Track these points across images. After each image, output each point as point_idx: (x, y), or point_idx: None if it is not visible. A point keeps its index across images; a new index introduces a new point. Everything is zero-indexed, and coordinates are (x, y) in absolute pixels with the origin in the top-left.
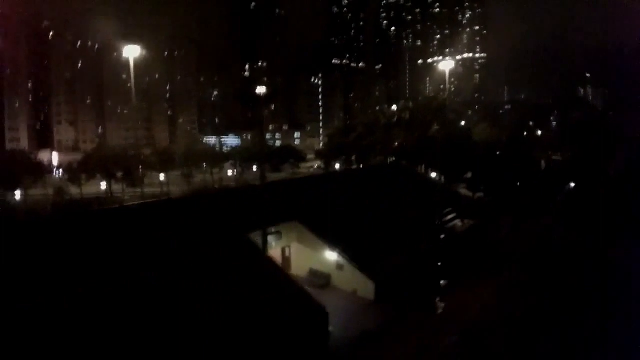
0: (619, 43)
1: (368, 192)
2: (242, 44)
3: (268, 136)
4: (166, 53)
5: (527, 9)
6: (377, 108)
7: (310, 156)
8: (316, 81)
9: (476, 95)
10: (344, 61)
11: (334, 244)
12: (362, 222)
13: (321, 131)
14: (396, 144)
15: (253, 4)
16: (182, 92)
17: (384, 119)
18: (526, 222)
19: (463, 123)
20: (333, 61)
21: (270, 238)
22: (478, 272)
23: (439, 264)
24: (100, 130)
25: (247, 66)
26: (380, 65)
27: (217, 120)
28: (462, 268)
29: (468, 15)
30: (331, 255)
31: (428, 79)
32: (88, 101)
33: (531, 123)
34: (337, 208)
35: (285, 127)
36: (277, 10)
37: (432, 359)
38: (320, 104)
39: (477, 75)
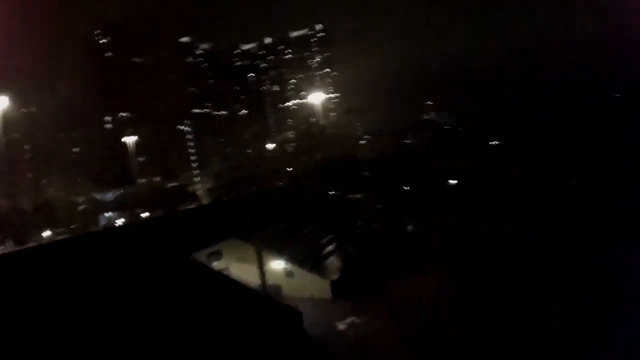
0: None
1: (282, 210)
2: (102, 96)
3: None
4: (23, 110)
5: (370, 47)
6: (249, 150)
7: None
8: (185, 129)
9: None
10: (205, 110)
11: (279, 253)
12: (291, 233)
13: (198, 178)
14: (289, 169)
15: (109, 53)
16: (43, 153)
17: (269, 153)
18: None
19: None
20: (193, 110)
21: (211, 258)
22: (408, 264)
23: (376, 258)
24: None
25: (109, 118)
26: (245, 111)
27: (78, 179)
28: (392, 261)
29: (318, 59)
30: (278, 265)
31: (290, 120)
32: None
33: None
34: (264, 224)
35: (157, 179)
36: (135, 59)
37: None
38: (193, 151)
39: (334, 114)
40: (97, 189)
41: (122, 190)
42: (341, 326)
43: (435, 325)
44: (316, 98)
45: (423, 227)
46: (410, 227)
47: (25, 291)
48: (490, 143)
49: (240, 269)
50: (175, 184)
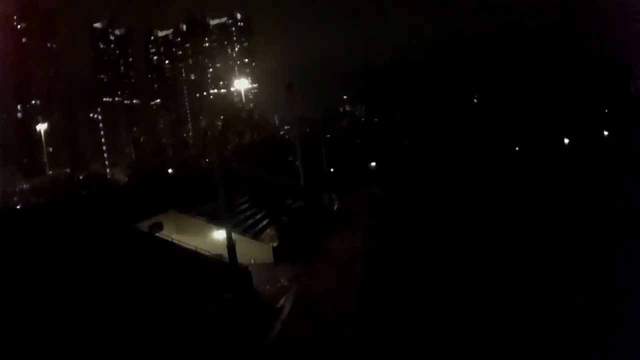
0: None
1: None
2: (13, 82)
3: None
4: None
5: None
6: (164, 140)
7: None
8: (96, 116)
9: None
10: (116, 98)
11: (220, 225)
12: (228, 208)
13: (107, 170)
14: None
15: (24, 39)
16: None
17: (194, 138)
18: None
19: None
20: (104, 99)
21: (153, 230)
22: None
23: (306, 227)
24: None
25: (19, 106)
26: (158, 100)
27: None
28: (321, 229)
29: (237, 49)
30: (220, 235)
31: (206, 110)
32: None
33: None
34: (200, 201)
35: (67, 170)
36: (48, 44)
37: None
38: (103, 140)
39: (252, 105)
40: (5, 181)
41: (34, 181)
42: (285, 282)
43: (370, 270)
44: (241, 84)
45: (346, 200)
46: (336, 204)
47: None
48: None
49: (181, 240)
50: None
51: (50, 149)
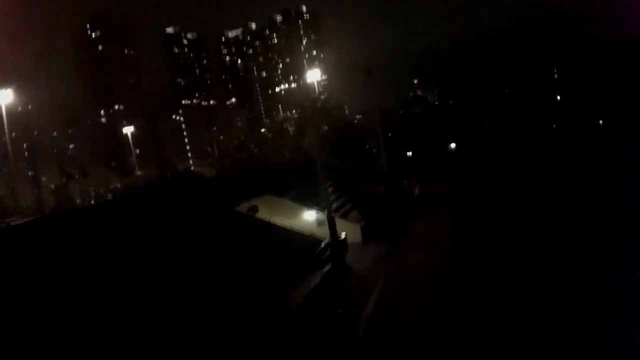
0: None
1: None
2: (95, 89)
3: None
4: (19, 108)
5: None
6: (243, 138)
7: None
8: (178, 118)
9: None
10: (194, 100)
11: (311, 205)
12: (315, 194)
13: (192, 168)
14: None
15: (100, 46)
16: (41, 150)
17: (270, 134)
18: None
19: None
20: (183, 101)
21: (250, 212)
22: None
23: (397, 208)
24: None
25: (102, 112)
26: (234, 100)
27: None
28: (410, 212)
29: (305, 42)
30: (310, 216)
31: (280, 105)
32: None
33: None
34: (289, 188)
35: (154, 170)
36: (126, 51)
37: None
38: (185, 141)
39: (323, 97)
40: (97, 181)
41: (127, 180)
42: (376, 259)
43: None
44: (313, 76)
45: (427, 185)
46: (417, 189)
47: (89, 241)
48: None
49: (274, 219)
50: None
51: (138, 151)
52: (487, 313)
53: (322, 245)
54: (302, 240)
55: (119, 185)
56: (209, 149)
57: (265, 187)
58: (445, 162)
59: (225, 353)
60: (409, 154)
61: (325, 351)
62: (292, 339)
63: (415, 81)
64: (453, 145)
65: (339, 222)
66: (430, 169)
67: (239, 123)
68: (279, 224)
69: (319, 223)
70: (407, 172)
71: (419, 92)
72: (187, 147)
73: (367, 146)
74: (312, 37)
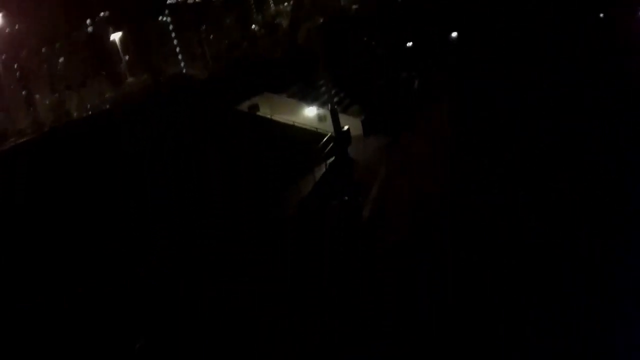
0: None
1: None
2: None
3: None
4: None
5: None
6: (233, 36)
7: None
8: (165, 19)
9: None
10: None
11: (310, 102)
12: (315, 88)
13: (184, 70)
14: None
15: None
16: (32, 69)
17: (262, 29)
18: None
19: None
20: (168, 1)
21: (251, 110)
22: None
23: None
24: None
25: (87, 21)
26: None
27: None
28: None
29: None
30: (311, 111)
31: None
32: None
33: None
34: (288, 83)
35: (145, 76)
36: None
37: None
38: (175, 43)
39: None
40: (94, 94)
41: (121, 88)
42: (377, 151)
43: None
44: None
45: (426, 77)
46: (416, 82)
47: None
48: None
49: (275, 116)
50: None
51: (127, 57)
52: (488, 200)
53: (325, 139)
54: (306, 135)
55: (113, 95)
56: (199, 50)
57: (263, 86)
58: (446, 51)
59: (236, 241)
60: (409, 44)
61: (332, 237)
62: (300, 227)
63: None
64: (454, 34)
65: (340, 117)
66: (430, 59)
67: (227, 21)
68: (281, 121)
69: (320, 118)
70: (406, 63)
71: None
72: (177, 50)
73: (365, 38)
74: None
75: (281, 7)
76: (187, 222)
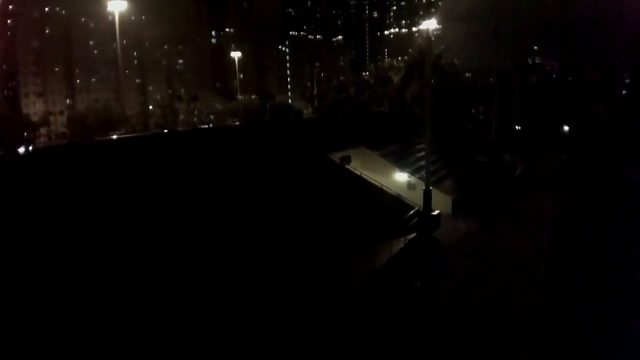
0: (573, 17)
1: (397, 131)
2: (207, 11)
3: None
4: (132, 17)
5: None
6: (341, 78)
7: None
8: (284, 49)
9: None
10: (302, 33)
11: (402, 166)
12: (411, 152)
13: (289, 100)
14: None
15: None
16: (150, 61)
17: (372, 79)
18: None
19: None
20: (290, 32)
21: (343, 161)
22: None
23: (496, 183)
24: (68, 102)
25: (213, 33)
26: (340, 37)
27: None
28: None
29: None
30: (401, 177)
31: (386, 49)
32: (57, 70)
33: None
34: (384, 141)
35: (254, 96)
36: None
37: None
38: (288, 73)
39: (442, 47)
40: (204, 100)
41: (229, 104)
42: (465, 235)
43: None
44: (429, 24)
45: (531, 163)
46: (519, 166)
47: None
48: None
49: (364, 172)
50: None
51: (241, 76)
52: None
53: (411, 212)
54: (392, 202)
55: (220, 107)
56: (308, 84)
57: (360, 137)
58: (556, 143)
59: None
60: (518, 127)
61: (396, 326)
62: (366, 302)
63: (536, 47)
64: (566, 128)
65: (432, 192)
66: (538, 148)
67: (341, 63)
68: (369, 180)
69: (410, 186)
70: (513, 146)
71: (537, 60)
72: (288, 79)
73: (473, 110)
74: None
75: (395, 62)
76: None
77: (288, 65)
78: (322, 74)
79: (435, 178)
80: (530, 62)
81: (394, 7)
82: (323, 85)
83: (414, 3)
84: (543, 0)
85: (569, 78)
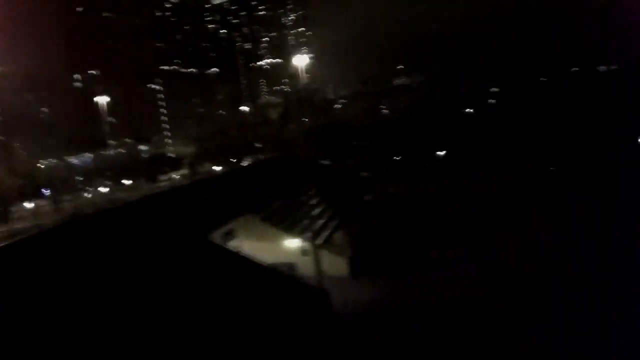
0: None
1: (284, 181)
2: (71, 52)
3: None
4: None
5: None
6: (220, 111)
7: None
8: (155, 87)
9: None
10: (173, 67)
11: (291, 230)
12: (299, 208)
13: (170, 141)
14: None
15: (79, 8)
16: (12, 114)
17: (253, 118)
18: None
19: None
20: (161, 67)
21: (226, 239)
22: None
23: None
24: None
25: (79, 76)
26: (213, 69)
27: (49, 142)
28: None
29: (292, 17)
30: (293, 243)
31: (264, 80)
32: None
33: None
34: (270, 198)
35: (129, 140)
36: (105, 14)
37: None
38: (164, 111)
39: (307, 75)
40: (70, 151)
41: (98, 154)
42: (364, 303)
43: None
44: (300, 60)
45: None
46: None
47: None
48: (466, 111)
49: (252, 247)
50: (147, 147)
51: (113, 119)
52: None
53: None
54: (281, 285)
55: (89, 156)
56: (187, 121)
57: (245, 197)
58: (434, 166)
59: None
60: (395, 157)
61: None
62: None
63: (401, 66)
64: (442, 152)
65: (322, 255)
66: (417, 173)
67: (219, 96)
68: (254, 260)
69: (303, 252)
70: (393, 176)
71: (404, 79)
72: (163, 119)
73: (355, 143)
74: (301, 13)
75: (272, 99)
76: None
77: (161, 102)
78: (201, 110)
79: (325, 236)
80: (397, 83)
81: (267, 38)
82: (204, 123)
83: (286, 34)
84: (404, 20)
85: (436, 96)
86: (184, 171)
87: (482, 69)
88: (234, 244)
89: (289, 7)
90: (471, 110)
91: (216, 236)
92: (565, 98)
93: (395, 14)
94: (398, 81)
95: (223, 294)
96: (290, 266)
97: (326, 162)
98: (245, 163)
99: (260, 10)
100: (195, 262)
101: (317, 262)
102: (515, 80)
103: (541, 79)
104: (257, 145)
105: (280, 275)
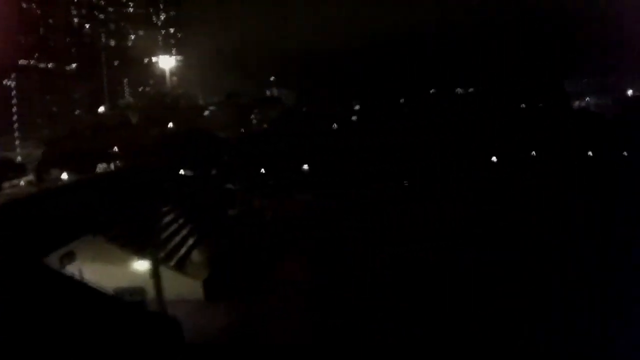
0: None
1: (136, 195)
2: None
3: None
4: None
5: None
6: (77, 112)
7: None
8: (9, 83)
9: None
10: (32, 61)
11: (140, 250)
12: (150, 224)
13: (17, 142)
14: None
15: None
16: None
17: (108, 121)
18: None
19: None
20: (20, 62)
21: (64, 262)
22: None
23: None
24: None
25: None
26: (75, 65)
27: None
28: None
29: (163, 17)
30: (142, 265)
31: (126, 80)
32: None
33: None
34: (119, 214)
35: None
36: None
37: None
38: (15, 110)
39: (174, 78)
40: None
41: None
42: (219, 330)
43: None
44: (166, 62)
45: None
46: (268, 212)
47: None
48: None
49: (96, 270)
50: None
51: None
52: None
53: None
54: (123, 316)
55: None
56: (39, 121)
57: (88, 214)
58: (299, 180)
59: None
60: (262, 170)
61: None
62: None
63: (273, 78)
64: (306, 167)
65: (175, 277)
66: (283, 189)
67: (76, 95)
68: (95, 287)
69: (155, 275)
70: (259, 190)
71: (275, 91)
72: (14, 117)
73: (220, 153)
74: (172, 13)
75: (132, 100)
76: None
77: (14, 100)
78: (55, 109)
79: (183, 252)
80: (268, 94)
81: (134, 37)
82: (57, 123)
83: (155, 34)
84: (279, 34)
85: (304, 109)
86: (30, 177)
87: (348, 86)
88: (72, 268)
89: (160, 6)
90: (335, 126)
91: (53, 259)
92: (421, 118)
93: (268, 28)
94: (269, 92)
95: (54, 327)
96: (138, 292)
97: (188, 173)
98: (99, 170)
99: (130, 7)
100: (24, 291)
101: (169, 286)
102: (377, 99)
103: (400, 100)
104: (114, 150)
105: (125, 304)
